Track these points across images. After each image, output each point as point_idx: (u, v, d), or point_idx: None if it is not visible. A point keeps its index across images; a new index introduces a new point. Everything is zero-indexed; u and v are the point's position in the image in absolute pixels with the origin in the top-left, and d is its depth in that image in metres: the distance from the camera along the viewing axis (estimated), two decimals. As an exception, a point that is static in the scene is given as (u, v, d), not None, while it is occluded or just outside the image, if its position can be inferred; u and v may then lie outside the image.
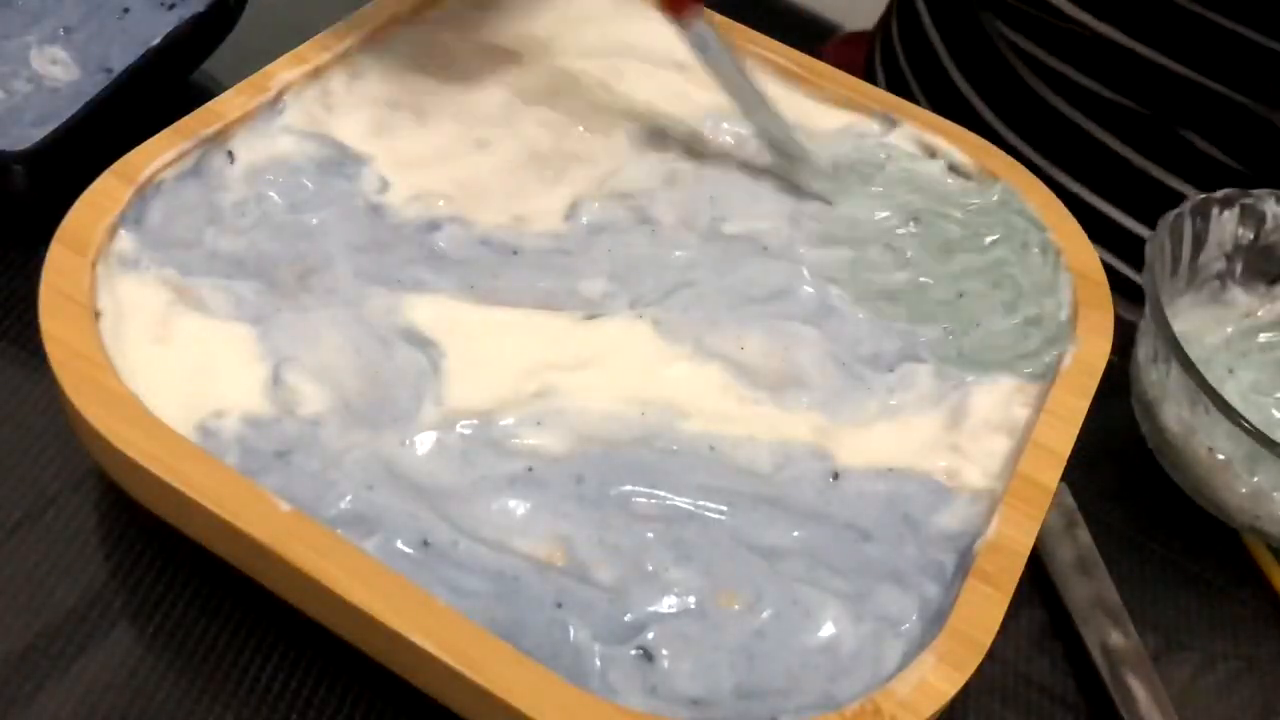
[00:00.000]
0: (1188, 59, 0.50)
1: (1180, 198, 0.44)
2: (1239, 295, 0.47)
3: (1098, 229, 0.57)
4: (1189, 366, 0.39)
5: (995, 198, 0.42)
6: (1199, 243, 0.45)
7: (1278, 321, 0.47)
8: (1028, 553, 0.32)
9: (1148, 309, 0.41)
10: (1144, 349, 0.42)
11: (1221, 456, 0.40)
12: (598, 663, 0.29)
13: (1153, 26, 0.50)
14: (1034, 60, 0.56)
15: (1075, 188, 0.57)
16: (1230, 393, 0.45)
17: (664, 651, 0.30)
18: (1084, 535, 0.41)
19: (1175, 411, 0.41)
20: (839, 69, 0.46)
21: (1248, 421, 0.38)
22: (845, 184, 0.42)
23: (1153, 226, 0.43)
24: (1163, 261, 0.43)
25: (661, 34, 0.46)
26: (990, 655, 0.30)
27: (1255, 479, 0.40)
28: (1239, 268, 0.47)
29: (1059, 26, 0.53)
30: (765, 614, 0.31)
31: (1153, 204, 0.49)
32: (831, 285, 0.39)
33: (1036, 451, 0.35)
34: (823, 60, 0.46)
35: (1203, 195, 0.45)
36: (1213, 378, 0.41)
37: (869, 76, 0.68)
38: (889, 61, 0.66)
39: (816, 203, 0.42)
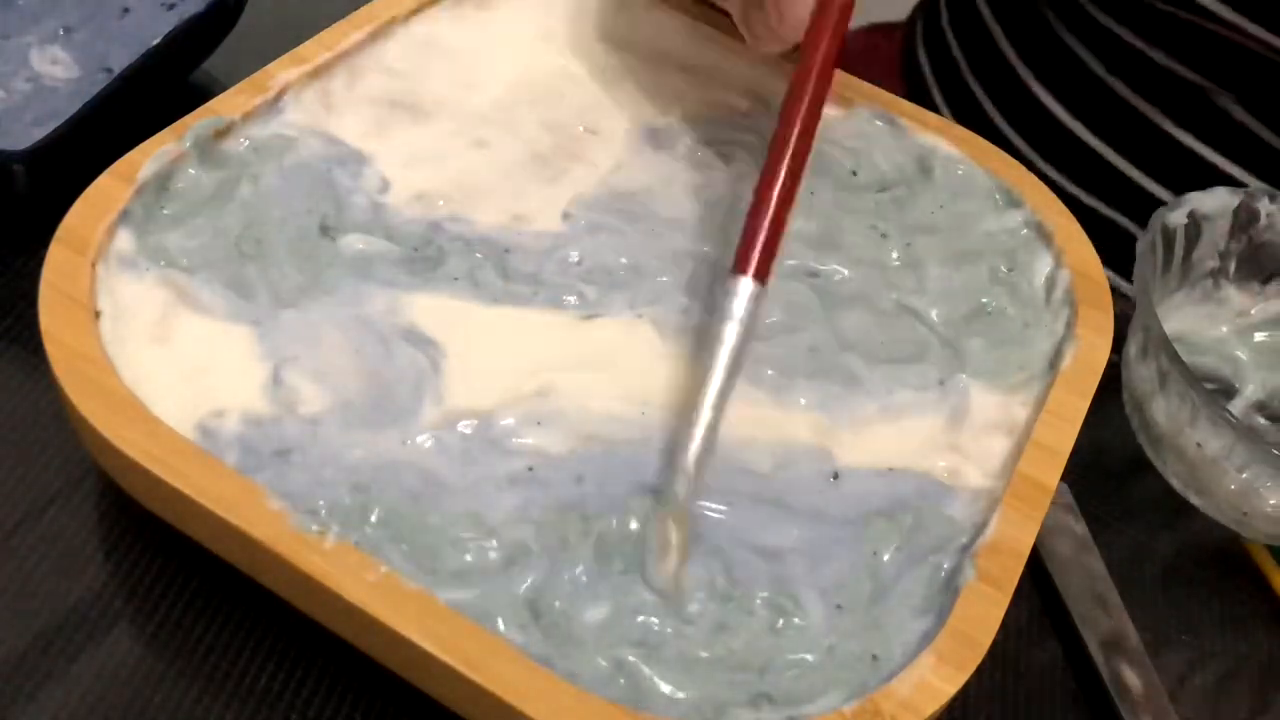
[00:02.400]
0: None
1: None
2: (1233, 294, 0.47)
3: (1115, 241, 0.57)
4: (1176, 362, 0.39)
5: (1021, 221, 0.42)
6: (1191, 240, 0.45)
7: (1272, 320, 0.47)
8: (1028, 552, 0.32)
9: (1137, 304, 0.41)
10: (1134, 345, 0.42)
11: (1210, 453, 0.40)
12: (599, 662, 0.29)
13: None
14: (1100, 45, 0.56)
15: (1145, 181, 0.57)
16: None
17: (664, 651, 0.30)
18: (1083, 532, 0.41)
19: (1164, 407, 0.41)
20: (867, 59, 0.46)
21: (1234, 417, 0.38)
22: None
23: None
24: (1154, 258, 0.43)
25: (661, 34, 0.46)
26: (989, 653, 0.30)
27: (1243, 475, 0.40)
28: (1232, 266, 0.47)
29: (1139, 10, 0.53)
30: (765, 614, 0.31)
31: None
32: (831, 285, 0.39)
33: (1036, 451, 0.35)
34: (849, 49, 0.46)
35: (1195, 192, 0.45)
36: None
37: (908, 65, 0.68)
38: (937, 45, 0.65)
39: (815, 203, 0.42)
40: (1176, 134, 0.55)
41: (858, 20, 0.81)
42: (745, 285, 0.34)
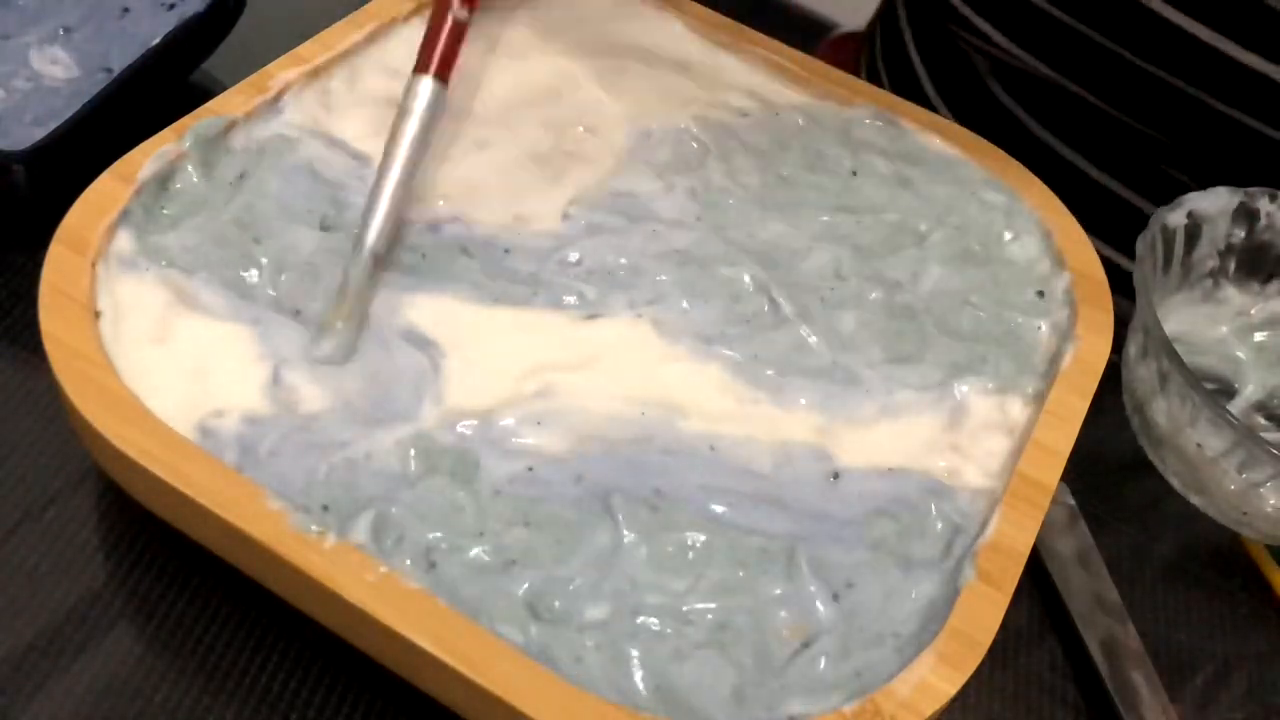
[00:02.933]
0: (1152, 115, 0.51)
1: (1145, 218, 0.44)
2: (1232, 294, 0.47)
3: None
4: (1176, 362, 0.39)
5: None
6: (1191, 240, 0.45)
7: (1272, 320, 0.47)
8: (1028, 552, 0.32)
9: (1137, 305, 0.41)
10: (1134, 345, 0.42)
11: (1210, 453, 0.40)
12: (600, 663, 0.30)
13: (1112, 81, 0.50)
14: (1007, 82, 0.56)
15: None
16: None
17: (665, 651, 0.30)
18: (1083, 532, 0.41)
19: (1164, 407, 0.41)
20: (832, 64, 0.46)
21: (1234, 418, 0.38)
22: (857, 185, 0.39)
23: (1121, 247, 0.43)
24: (1154, 258, 0.43)
25: (661, 34, 0.46)
26: (989, 653, 0.30)
27: (1243, 475, 0.40)
28: (1232, 266, 0.47)
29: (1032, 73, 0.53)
30: (765, 613, 0.31)
31: (1119, 224, 0.48)
32: (831, 285, 0.39)
33: (1036, 451, 0.35)
34: (818, 57, 0.46)
35: (1195, 192, 0.45)
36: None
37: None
38: (872, 70, 0.66)
39: (815, 204, 0.42)
40: (1092, 173, 0.55)
41: (841, 14, 0.80)
42: (427, 84, 0.38)
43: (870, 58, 0.67)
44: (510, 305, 0.37)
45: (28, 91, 0.44)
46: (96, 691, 0.32)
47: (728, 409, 0.36)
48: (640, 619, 0.31)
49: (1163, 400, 0.41)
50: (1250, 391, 0.46)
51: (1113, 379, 0.38)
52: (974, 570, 0.32)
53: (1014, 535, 0.33)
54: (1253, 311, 0.47)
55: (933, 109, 0.58)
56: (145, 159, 0.36)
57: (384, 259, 0.36)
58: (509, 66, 0.44)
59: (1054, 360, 0.38)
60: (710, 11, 0.47)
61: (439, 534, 0.31)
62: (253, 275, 0.36)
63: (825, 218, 0.41)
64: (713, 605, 0.31)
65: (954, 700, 0.29)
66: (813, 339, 0.38)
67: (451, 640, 0.28)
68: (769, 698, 0.30)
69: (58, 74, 0.45)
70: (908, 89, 0.61)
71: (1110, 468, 0.44)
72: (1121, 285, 0.41)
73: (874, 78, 0.66)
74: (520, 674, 0.28)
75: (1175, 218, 0.44)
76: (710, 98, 0.45)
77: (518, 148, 0.41)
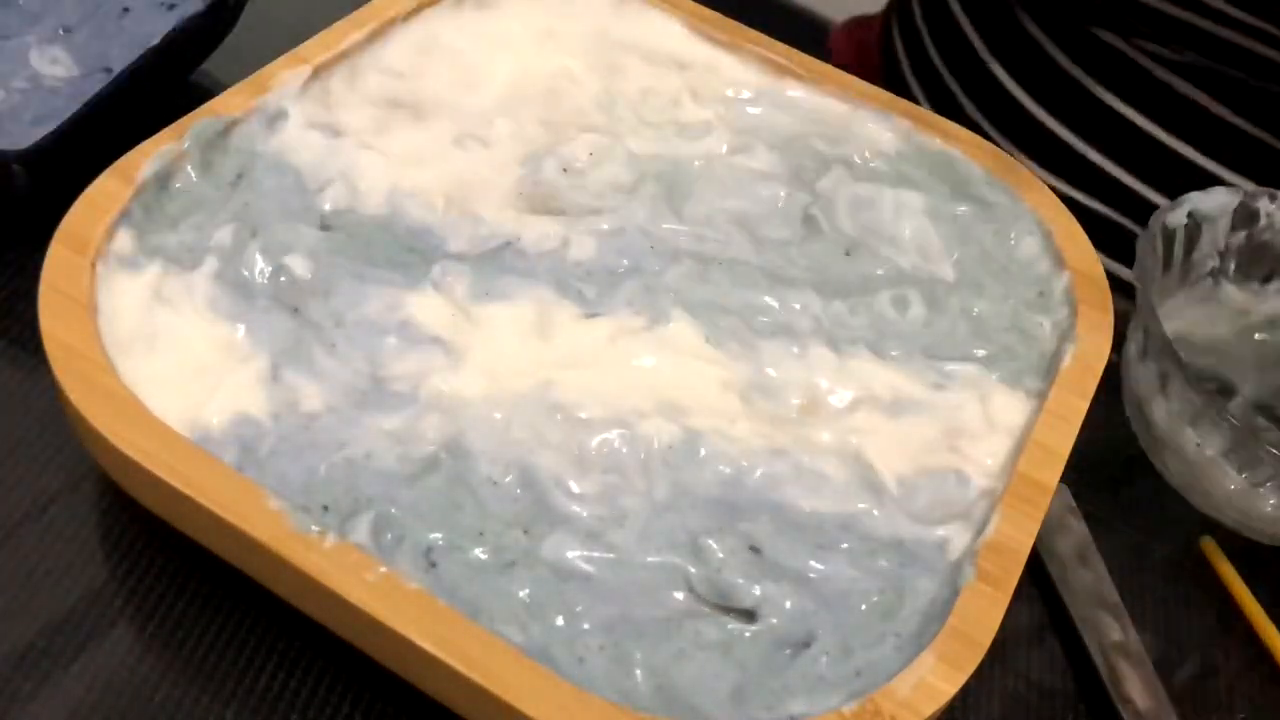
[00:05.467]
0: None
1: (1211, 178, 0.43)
2: (1233, 293, 0.47)
3: (1130, 207, 0.57)
4: (1176, 362, 0.39)
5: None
6: (1192, 240, 0.45)
7: (1272, 320, 0.47)
8: (1028, 552, 0.32)
9: (1137, 305, 0.41)
10: (1134, 345, 0.42)
11: (1210, 453, 0.40)
12: (601, 663, 0.29)
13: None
14: (1062, 37, 0.56)
15: (1108, 165, 0.57)
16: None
17: (666, 652, 0.30)
18: (1083, 532, 0.41)
19: (1164, 407, 0.41)
20: (851, 51, 0.46)
21: (1234, 418, 0.38)
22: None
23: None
24: (1154, 258, 0.43)
25: (661, 33, 0.46)
26: (989, 653, 0.30)
27: (1243, 475, 0.40)
28: (1232, 266, 0.47)
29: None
30: (764, 613, 0.31)
31: (1182, 182, 0.48)
32: (830, 285, 0.39)
33: (1036, 451, 0.35)
34: (834, 43, 0.46)
35: (1195, 192, 0.45)
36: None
37: (887, 55, 0.68)
38: (911, 40, 0.66)
39: (815, 203, 0.42)
40: (1146, 126, 0.55)
41: (839, 13, 0.81)
42: None
43: (906, 31, 0.66)
44: (510, 304, 0.37)
45: (28, 91, 0.44)
46: (96, 691, 0.32)
47: (729, 407, 0.36)
48: (642, 620, 0.30)
49: (1162, 400, 0.41)
50: (1250, 391, 0.46)
51: (1113, 379, 0.38)
52: (974, 570, 0.32)
53: (1014, 535, 0.33)
54: (1253, 311, 0.47)
55: (989, 74, 0.58)
56: (145, 159, 0.36)
57: None
58: (509, 65, 0.44)
59: (1054, 360, 0.38)
60: (710, 11, 0.47)
61: (439, 534, 0.31)
62: (252, 274, 0.36)
63: (825, 217, 0.41)
64: (712, 605, 0.31)
65: (954, 700, 0.29)
66: (813, 338, 0.38)
67: (451, 640, 0.28)
68: (769, 698, 0.30)
69: (58, 74, 0.45)
70: (960, 58, 0.61)
71: (1110, 468, 0.44)
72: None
73: (914, 48, 0.65)
74: (520, 674, 0.28)
75: (1175, 218, 0.44)
76: (710, 97, 0.45)
77: (518, 147, 0.41)
